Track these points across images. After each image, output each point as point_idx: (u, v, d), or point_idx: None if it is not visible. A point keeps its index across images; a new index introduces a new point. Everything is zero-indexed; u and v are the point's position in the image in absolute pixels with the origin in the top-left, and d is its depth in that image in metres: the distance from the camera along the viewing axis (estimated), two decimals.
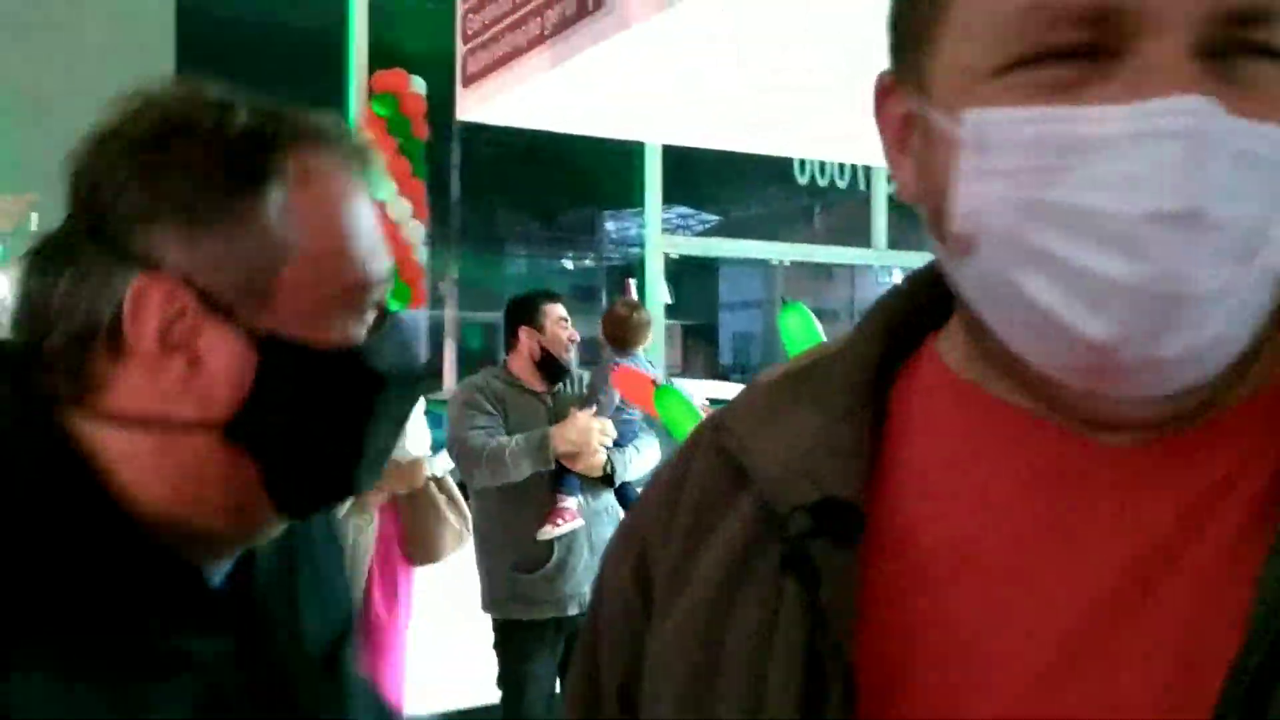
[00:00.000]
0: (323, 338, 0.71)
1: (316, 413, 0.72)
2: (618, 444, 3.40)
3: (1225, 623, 0.49)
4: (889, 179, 4.42)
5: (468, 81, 3.62)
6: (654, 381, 3.33)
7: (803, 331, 3.03)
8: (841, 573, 0.55)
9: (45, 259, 0.70)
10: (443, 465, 3.52)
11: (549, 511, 3.29)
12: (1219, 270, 0.47)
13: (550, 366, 3.47)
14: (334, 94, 5.15)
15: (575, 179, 11.19)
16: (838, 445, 0.59)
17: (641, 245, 6.08)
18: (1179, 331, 0.48)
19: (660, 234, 5.80)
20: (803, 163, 5.99)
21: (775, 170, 8.35)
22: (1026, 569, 0.54)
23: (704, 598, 0.61)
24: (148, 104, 0.70)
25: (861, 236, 6.54)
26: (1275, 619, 0.47)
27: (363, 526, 3.33)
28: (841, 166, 6.12)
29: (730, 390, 5.34)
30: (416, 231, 5.29)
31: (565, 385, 3.54)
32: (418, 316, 4.34)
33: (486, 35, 3.47)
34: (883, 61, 0.60)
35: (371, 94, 5.22)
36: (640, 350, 3.63)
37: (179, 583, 0.70)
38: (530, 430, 3.31)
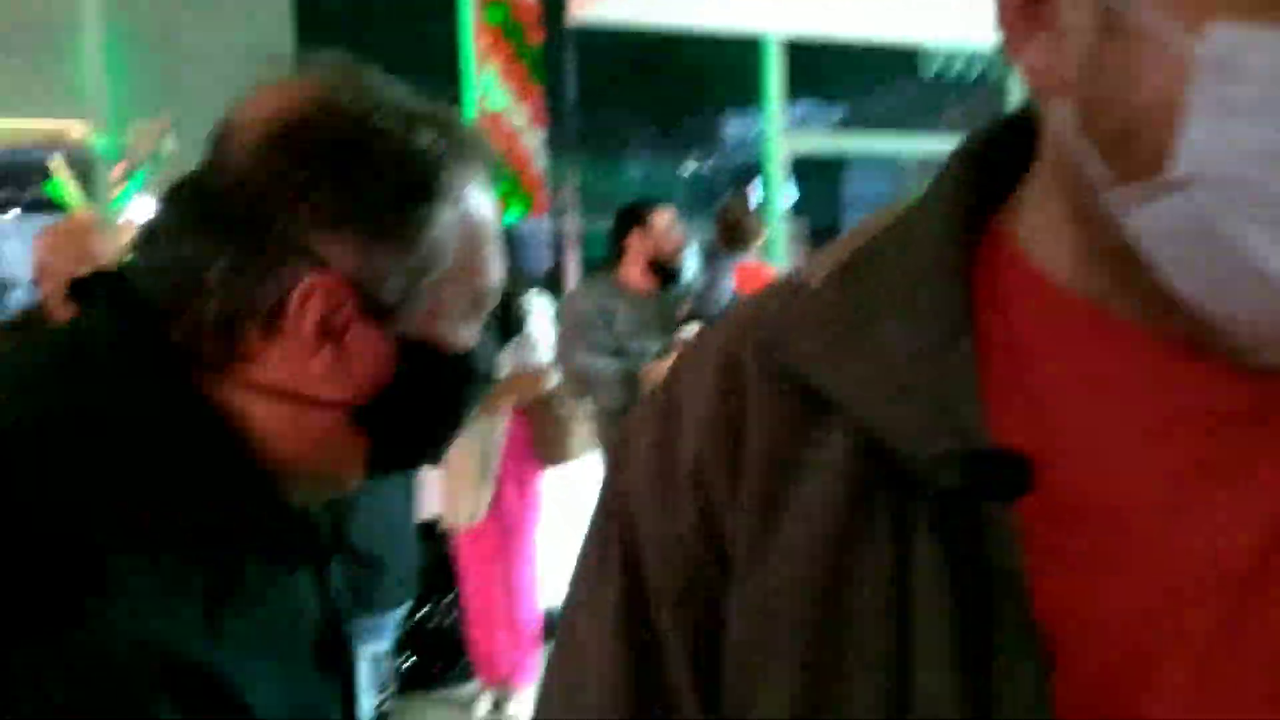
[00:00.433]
0: (450, 340, 0.79)
1: (430, 406, 0.82)
2: None
3: None
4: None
5: None
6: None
7: None
8: (1010, 533, 0.48)
9: (195, 227, 0.73)
10: None
11: None
12: None
13: (661, 269, 3.61)
14: (447, 3, 5.14)
15: (693, 80, 10.99)
16: (960, 381, 0.51)
17: (763, 144, 5.97)
18: None
19: (781, 133, 5.69)
20: (929, 54, 5.76)
21: (902, 62, 8.07)
22: (1193, 509, 0.50)
23: (806, 574, 0.51)
24: (328, 103, 0.74)
25: None
26: None
27: (492, 429, 3.43)
28: (970, 57, 5.86)
29: None
30: (535, 138, 5.29)
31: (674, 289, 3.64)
32: (538, 226, 4.38)
33: None
34: None
35: (483, 1, 5.20)
36: (753, 248, 3.72)
37: (285, 521, 0.79)
38: (640, 336, 3.44)
